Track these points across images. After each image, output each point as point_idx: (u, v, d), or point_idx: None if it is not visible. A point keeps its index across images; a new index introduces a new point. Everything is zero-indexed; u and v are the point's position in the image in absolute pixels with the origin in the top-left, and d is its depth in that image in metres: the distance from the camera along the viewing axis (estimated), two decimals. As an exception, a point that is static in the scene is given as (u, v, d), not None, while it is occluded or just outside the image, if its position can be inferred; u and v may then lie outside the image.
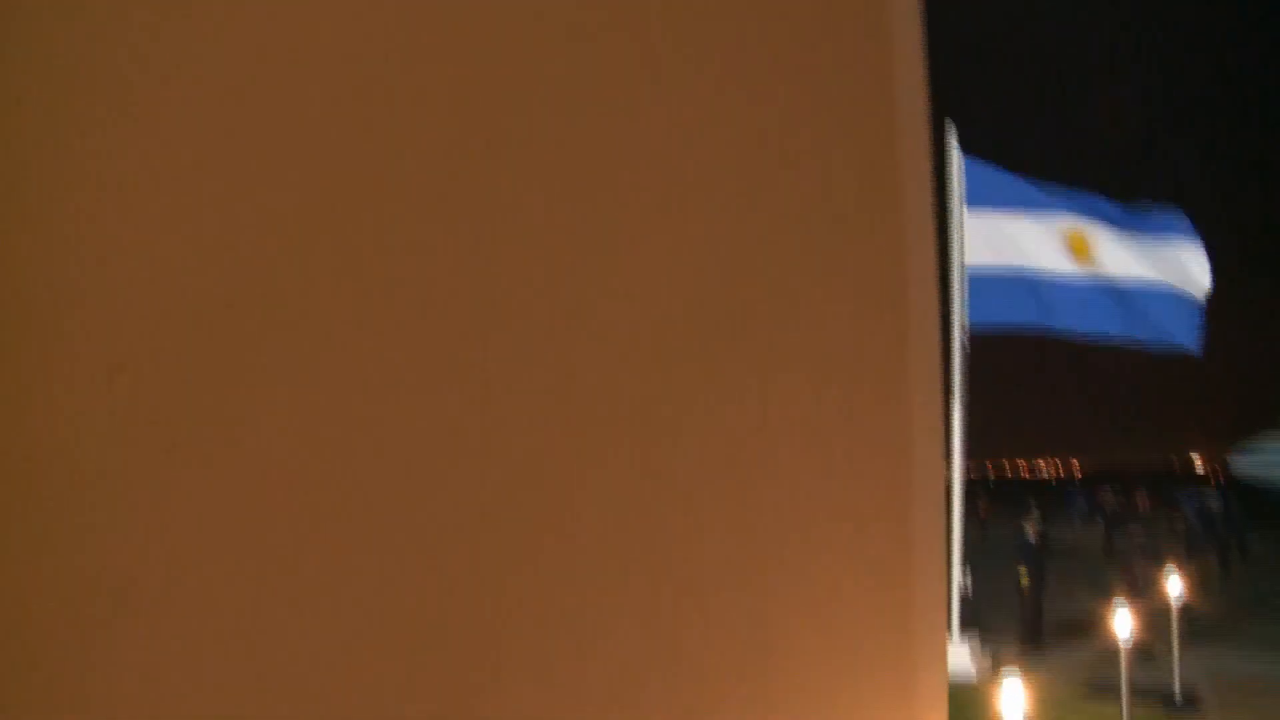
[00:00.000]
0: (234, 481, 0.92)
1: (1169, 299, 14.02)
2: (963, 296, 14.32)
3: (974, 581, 14.84)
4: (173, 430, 0.89)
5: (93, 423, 0.86)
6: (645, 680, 1.26)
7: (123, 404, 0.87)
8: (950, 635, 13.29)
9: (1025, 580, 16.10)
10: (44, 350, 0.84)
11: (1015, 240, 14.31)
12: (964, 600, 13.98)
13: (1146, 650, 13.52)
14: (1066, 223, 14.23)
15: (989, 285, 14.36)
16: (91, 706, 0.86)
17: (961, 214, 14.41)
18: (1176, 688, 12.07)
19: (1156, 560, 15.64)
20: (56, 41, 0.85)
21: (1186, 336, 14.08)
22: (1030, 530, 16.64)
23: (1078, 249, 14.20)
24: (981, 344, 14.54)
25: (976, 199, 14.46)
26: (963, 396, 14.29)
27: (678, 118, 1.35)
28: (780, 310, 1.46)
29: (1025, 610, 16.14)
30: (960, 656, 13.21)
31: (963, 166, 14.56)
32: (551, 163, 1.21)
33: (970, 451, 14.89)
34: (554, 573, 1.18)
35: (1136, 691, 10.54)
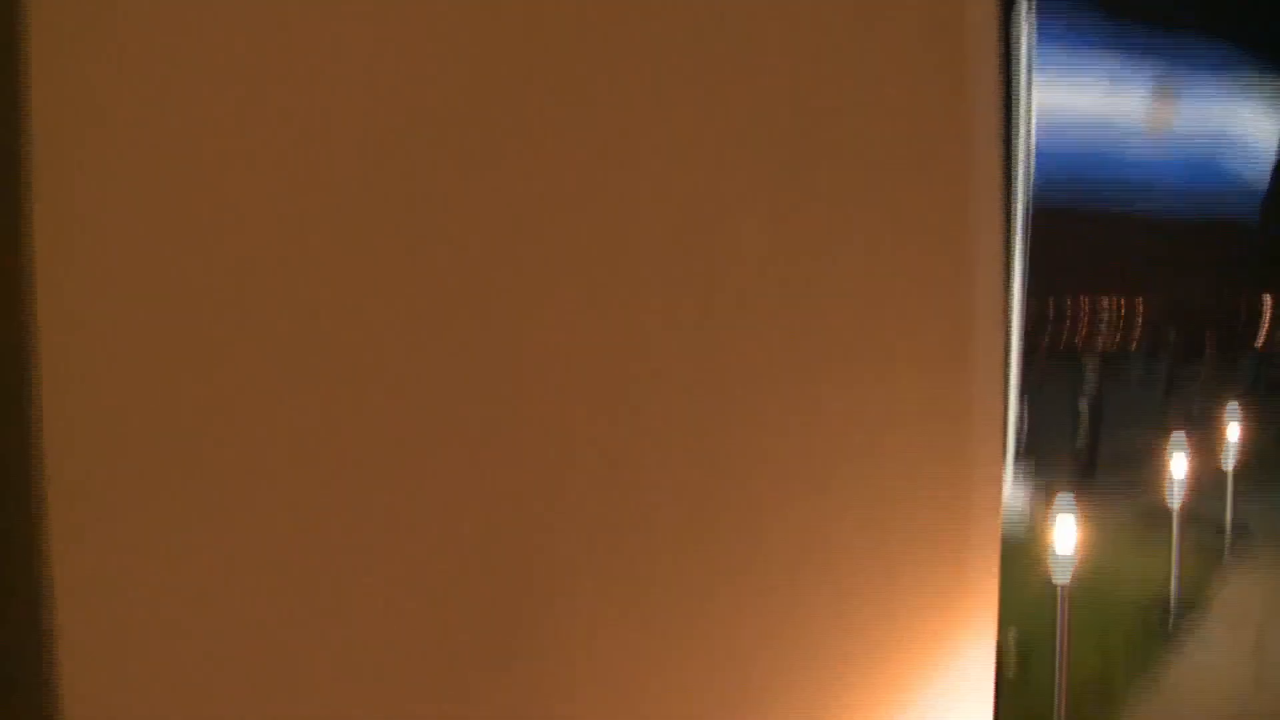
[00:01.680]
0: (243, 480, 0.93)
1: (1245, 150, 13.50)
2: (1030, 155, 13.84)
3: (1031, 411, 14.81)
4: (177, 427, 0.89)
5: (99, 420, 0.85)
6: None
7: (130, 400, 0.87)
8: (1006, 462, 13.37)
9: (1084, 412, 16.12)
10: (44, 349, 0.83)
11: (1091, 108, 13.68)
12: (1020, 429, 13.98)
13: (1201, 483, 13.56)
14: (1150, 79, 13.55)
15: (1059, 146, 13.85)
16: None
17: (1031, 75, 13.77)
18: (1228, 517, 12.18)
19: (1216, 398, 15.51)
20: (57, 42, 0.83)
21: (1247, 204, 13.59)
22: (1090, 365, 16.57)
23: (1159, 119, 13.57)
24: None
25: (1051, 62, 13.75)
26: (1025, 235, 14.03)
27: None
28: (844, 159, 1.58)
29: (1082, 440, 16.22)
30: (1017, 479, 13.30)
31: (1035, 27, 13.83)
32: (590, 137, 1.23)
33: (1032, 289, 14.69)
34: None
35: (1190, 520, 10.68)
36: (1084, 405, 16.11)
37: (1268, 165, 13.68)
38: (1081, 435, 16.10)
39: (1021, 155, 13.91)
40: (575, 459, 1.19)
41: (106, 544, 0.85)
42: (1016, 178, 13.85)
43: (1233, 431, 12.51)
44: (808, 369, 1.52)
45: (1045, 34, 13.84)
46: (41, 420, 0.81)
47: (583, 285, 1.20)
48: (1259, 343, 28.38)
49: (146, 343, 0.88)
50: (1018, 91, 13.79)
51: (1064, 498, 7.24)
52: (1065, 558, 7.09)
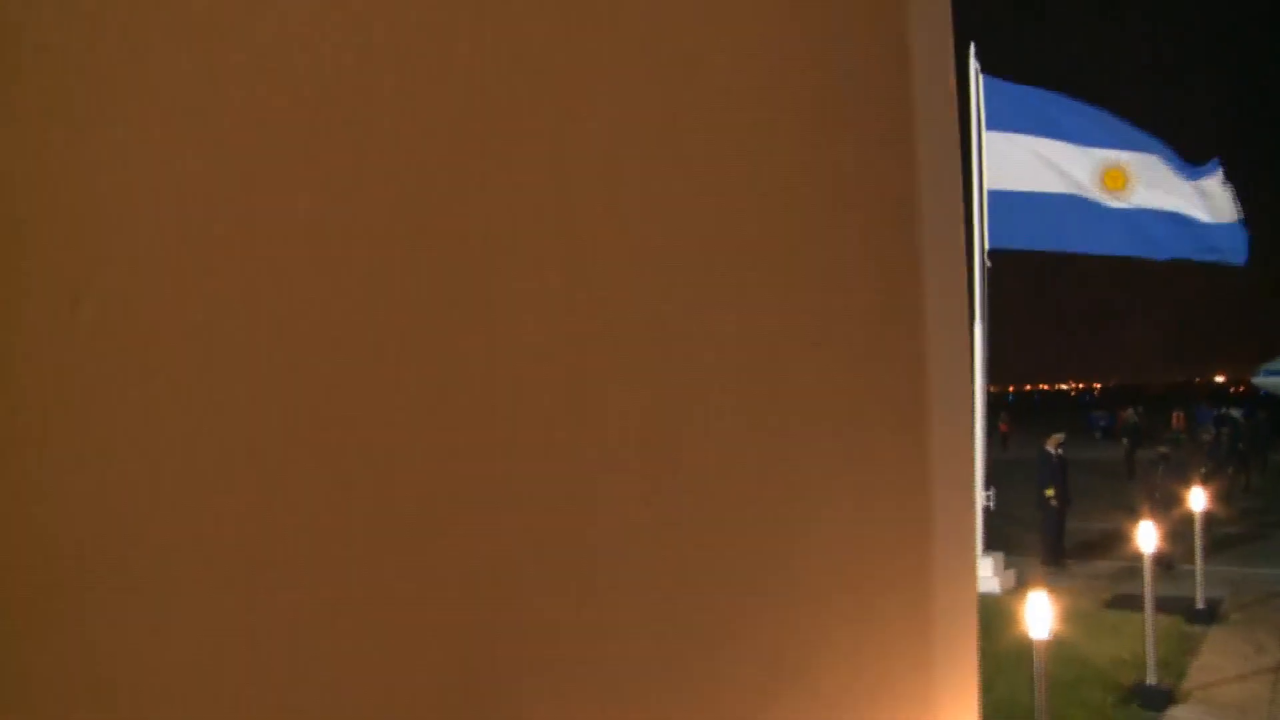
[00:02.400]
0: (241, 476, 0.92)
1: (1204, 225, 13.90)
2: (984, 219, 14.21)
3: (996, 498, 14.93)
4: (178, 426, 0.88)
5: (101, 420, 0.85)
6: (672, 576, 1.29)
7: (131, 399, 0.86)
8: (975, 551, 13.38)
9: (1051, 496, 16.17)
10: (46, 349, 0.82)
11: (1045, 163, 14.15)
12: (987, 516, 14.07)
13: (1168, 563, 13.65)
14: (1101, 153, 14.04)
15: (1011, 207, 14.23)
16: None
17: (982, 136, 14.24)
18: (1199, 597, 12.17)
19: (1179, 476, 15.66)
20: (56, 38, 0.83)
21: (1227, 254, 13.99)
22: (1053, 448, 16.65)
23: (1113, 183, 14.04)
24: (1001, 267, 14.45)
25: (999, 121, 14.27)
26: (983, 317, 14.25)
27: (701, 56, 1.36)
28: (796, 232, 1.47)
29: (1047, 526, 16.26)
30: (984, 571, 13.34)
31: (982, 87, 14.35)
32: (552, 113, 1.20)
33: (991, 376, 14.87)
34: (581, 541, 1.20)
35: (1159, 603, 10.65)
36: (1048, 493, 16.21)
37: (1215, 244, 14.04)
38: (1047, 520, 16.18)
39: (977, 236, 14.19)
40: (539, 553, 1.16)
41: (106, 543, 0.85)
42: (974, 259, 14.08)
43: (1197, 506, 12.53)
44: (770, 468, 1.44)
45: (993, 102, 14.32)
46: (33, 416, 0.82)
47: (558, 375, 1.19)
48: (1217, 421, 29.06)
49: (153, 337, 0.88)
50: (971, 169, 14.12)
51: (1035, 592, 7.21)
52: (1040, 642, 6.98)
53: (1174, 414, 37.66)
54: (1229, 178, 13.81)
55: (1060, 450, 16.69)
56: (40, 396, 0.80)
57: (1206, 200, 13.89)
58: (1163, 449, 18.59)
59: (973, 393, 1.81)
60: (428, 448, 1.04)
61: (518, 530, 1.13)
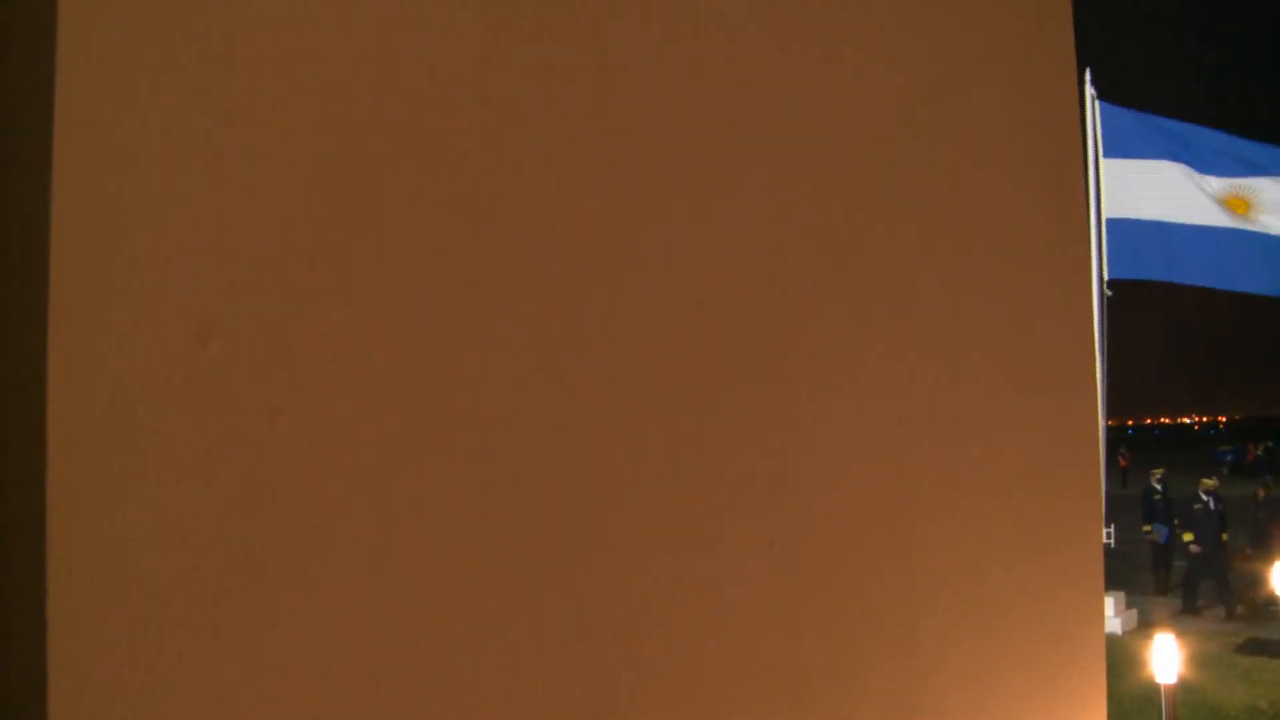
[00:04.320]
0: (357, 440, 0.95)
1: None
2: (1102, 249, 13.84)
3: (1117, 534, 14.46)
4: (271, 395, 0.91)
5: (182, 390, 0.87)
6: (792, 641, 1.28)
7: (215, 369, 0.89)
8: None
9: (1154, 537, 15.81)
10: (125, 319, 0.85)
11: (1162, 190, 13.76)
12: (1107, 554, 13.64)
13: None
14: (1220, 180, 13.59)
15: (1132, 235, 13.85)
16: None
17: (1099, 165, 13.89)
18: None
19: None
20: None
21: None
22: (1156, 484, 16.34)
23: (1235, 205, 13.57)
24: (1120, 297, 14.05)
25: (1117, 148, 13.91)
26: (1104, 349, 13.85)
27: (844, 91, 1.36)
28: (928, 274, 1.45)
29: (1156, 565, 15.86)
30: (1106, 611, 12.91)
31: (1098, 115, 14.01)
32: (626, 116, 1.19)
33: (1111, 409, 14.44)
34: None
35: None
36: (1173, 532, 15.69)
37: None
38: (1155, 559, 15.68)
39: (1096, 265, 13.84)
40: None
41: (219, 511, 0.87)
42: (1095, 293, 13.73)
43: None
44: (904, 510, 1.41)
45: (1112, 125, 13.95)
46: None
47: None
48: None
49: (235, 306, 0.90)
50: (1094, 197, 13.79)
51: (1161, 634, 6.95)
52: (1168, 686, 6.72)
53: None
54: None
55: (1161, 484, 16.35)
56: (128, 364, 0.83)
57: None
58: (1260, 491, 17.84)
59: (1095, 421, 1.76)
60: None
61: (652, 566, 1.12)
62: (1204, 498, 14.99)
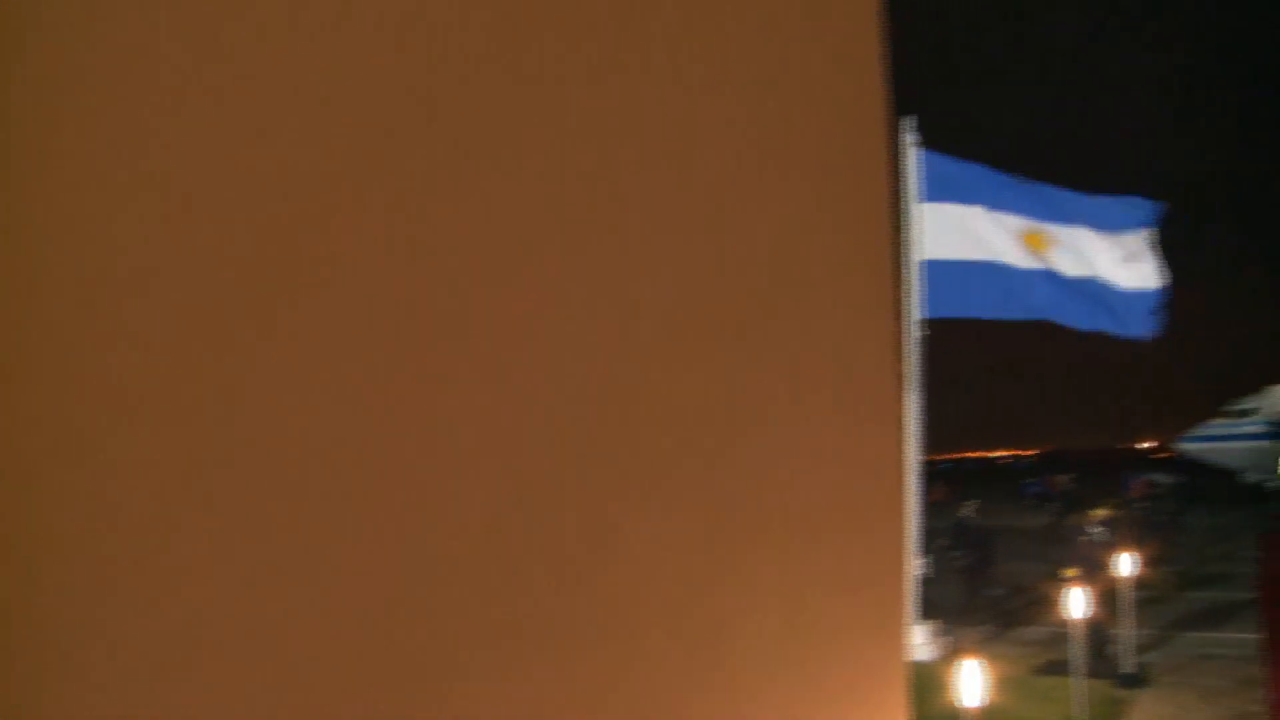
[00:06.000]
0: (246, 481, 0.91)
1: (1121, 294, 14.18)
2: (919, 289, 14.40)
3: (932, 565, 15.00)
4: (177, 426, 0.88)
5: (99, 421, 0.85)
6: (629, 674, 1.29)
7: (127, 402, 0.86)
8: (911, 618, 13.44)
9: (961, 562, 16.61)
10: (47, 354, 0.83)
11: (973, 232, 14.43)
12: (921, 584, 14.10)
13: (1098, 627, 13.78)
14: (1023, 221, 14.34)
15: (946, 276, 14.46)
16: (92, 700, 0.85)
17: (918, 208, 14.48)
18: (1127, 662, 12.28)
19: (1108, 540, 15.84)
20: (58, 44, 0.84)
21: (1138, 327, 14.27)
22: (969, 514, 17.20)
23: (1034, 245, 14.32)
24: (937, 339, 14.62)
25: (935, 193, 14.53)
26: (919, 387, 14.38)
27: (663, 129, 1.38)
28: (750, 313, 1.49)
29: (963, 591, 16.63)
30: (919, 638, 13.34)
31: (921, 161, 14.62)
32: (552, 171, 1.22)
33: (928, 445, 15.00)
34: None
35: (1089, 668, 10.74)
36: (973, 558, 16.56)
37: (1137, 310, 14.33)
38: (962, 585, 16.45)
39: (912, 307, 14.40)
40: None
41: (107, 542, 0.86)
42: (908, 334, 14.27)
43: (1126, 571, 12.68)
44: (714, 546, 1.44)
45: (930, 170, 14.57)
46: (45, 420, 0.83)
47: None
48: (1145, 486, 29.59)
49: (151, 343, 0.89)
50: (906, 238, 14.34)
51: (967, 659, 7.23)
52: (972, 710, 7.01)
53: (1088, 477, 38.09)
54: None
55: (970, 516, 17.24)
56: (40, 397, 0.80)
57: (1129, 265, 14.18)
58: (1095, 514, 18.85)
59: (901, 456, 1.83)
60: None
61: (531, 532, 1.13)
62: (1093, 529, 15.39)
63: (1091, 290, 14.26)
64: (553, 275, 1.20)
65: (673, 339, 1.37)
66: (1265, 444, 39.46)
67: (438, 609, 1.07)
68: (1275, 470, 38.09)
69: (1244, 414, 41.25)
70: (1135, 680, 12.16)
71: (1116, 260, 14.30)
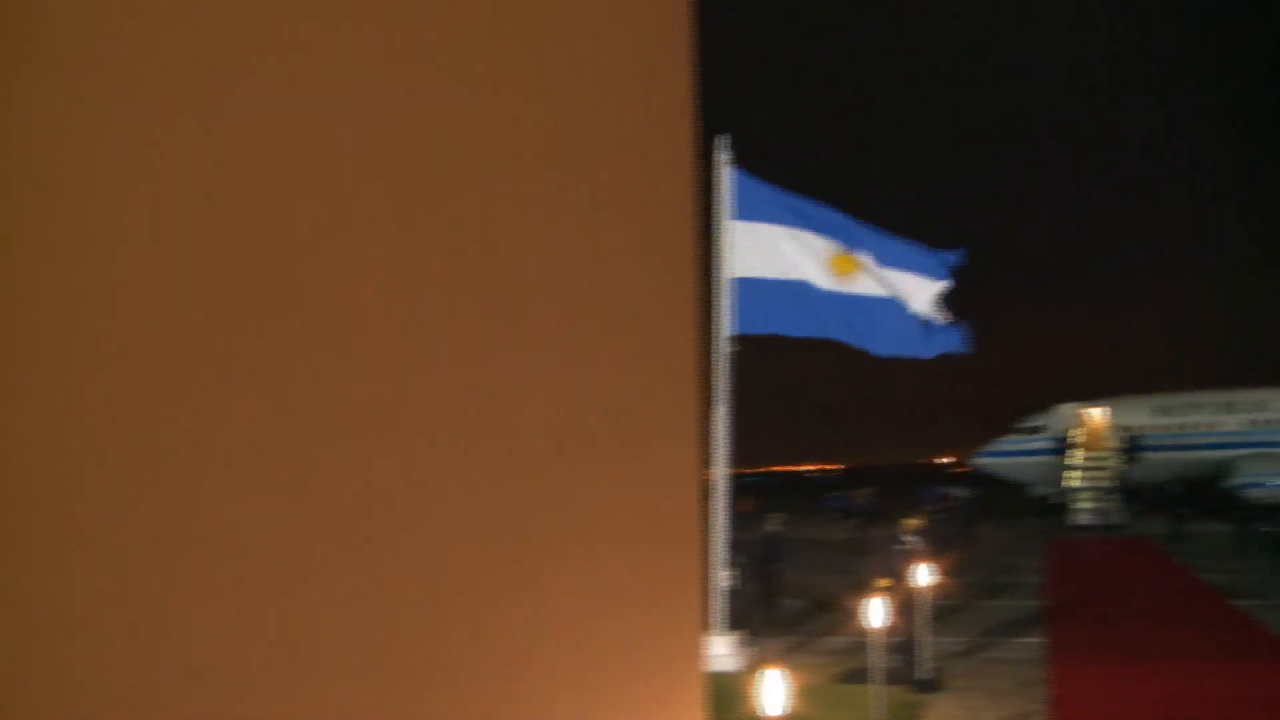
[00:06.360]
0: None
1: (919, 319, 14.85)
2: (729, 305, 14.75)
3: (740, 576, 15.32)
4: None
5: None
6: (433, 676, 1.26)
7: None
8: (715, 629, 13.69)
9: (766, 574, 17.30)
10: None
11: (782, 252, 14.87)
12: (729, 595, 14.39)
13: (896, 635, 14.33)
14: (830, 244, 14.87)
15: (755, 294, 14.86)
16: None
17: (730, 226, 14.84)
18: (922, 669, 12.79)
19: (906, 551, 16.48)
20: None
21: (934, 349, 14.98)
22: (771, 527, 17.85)
23: (840, 268, 14.85)
24: (746, 354, 14.99)
25: (745, 211, 14.92)
26: (727, 401, 14.70)
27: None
28: (547, 326, 1.48)
29: (766, 602, 17.17)
30: (726, 650, 13.59)
31: (733, 180, 14.98)
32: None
33: (737, 459, 15.34)
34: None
35: (887, 675, 11.15)
36: (776, 570, 17.16)
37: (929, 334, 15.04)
38: (760, 596, 16.97)
39: (723, 322, 14.69)
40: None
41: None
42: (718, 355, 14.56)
43: (922, 581, 13.20)
44: (509, 558, 1.43)
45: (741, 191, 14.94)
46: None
47: None
48: (942, 500, 31.00)
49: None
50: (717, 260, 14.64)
51: (770, 669, 7.39)
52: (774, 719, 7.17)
53: (889, 491, 39.59)
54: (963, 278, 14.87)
55: (775, 529, 17.88)
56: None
57: (926, 293, 14.87)
58: (898, 527, 19.61)
59: (700, 472, 1.84)
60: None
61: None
62: (906, 539, 15.34)
63: (891, 314, 14.87)
64: (336, 285, 1.17)
65: (463, 350, 1.35)
66: (1052, 459, 41.87)
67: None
68: (1060, 484, 40.42)
69: (1033, 431, 43.65)
70: (929, 685, 12.68)
71: (915, 289, 14.96)
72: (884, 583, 13.61)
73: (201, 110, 1.00)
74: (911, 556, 15.07)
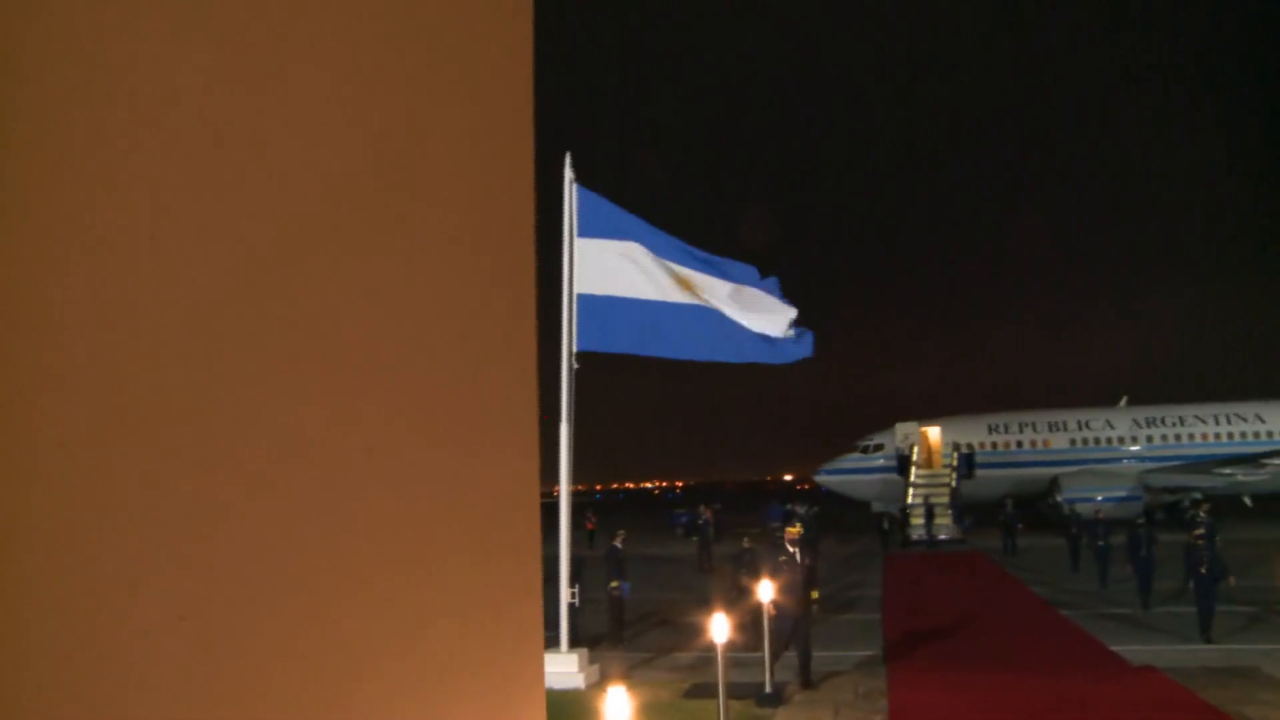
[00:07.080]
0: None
1: (757, 333, 15.16)
2: (573, 322, 14.79)
3: (582, 592, 15.29)
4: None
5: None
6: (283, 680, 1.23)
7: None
8: (558, 646, 13.66)
9: (617, 593, 17.38)
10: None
11: (625, 270, 14.99)
12: (572, 612, 14.36)
13: (741, 651, 14.56)
14: (672, 263, 15.07)
15: (598, 311, 14.94)
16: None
17: (573, 242, 14.90)
18: (768, 682, 13.00)
19: (750, 567, 16.74)
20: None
21: (778, 354, 15.31)
22: (618, 544, 18.09)
23: (682, 286, 15.06)
24: (588, 369, 15.06)
25: (590, 229, 15.01)
26: (570, 418, 14.72)
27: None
28: (379, 345, 1.47)
29: (612, 619, 17.32)
30: (569, 667, 13.56)
31: (576, 197, 15.05)
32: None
33: (580, 475, 15.39)
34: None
35: (732, 689, 11.30)
36: (622, 589, 17.30)
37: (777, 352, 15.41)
38: (624, 617, 17.08)
39: (566, 338, 14.71)
40: None
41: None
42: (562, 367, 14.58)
43: (766, 597, 13.42)
44: (342, 575, 1.41)
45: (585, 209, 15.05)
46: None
47: None
48: (783, 516, 31.59)
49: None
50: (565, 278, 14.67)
51: (614, 686, 7.40)
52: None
53: (773, 510, 40.15)
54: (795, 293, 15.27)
55: (619, 545, 18.13)
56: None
57: (765, 314, 15.20)
58: (744, 543, 19.95)
59: (536, 486, 1.85)
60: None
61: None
62: (790, 549, 15.02)
63: (736, 327, 15.14)
64: (169, 287, 1.14)
65: (299, 359, 1.33)
66: (892, 476, 43.20)
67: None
68: (899, 500, 41.70)
69: (874, 449, 44.94)
70: (774, 699, 12.89)
71: (754, 303, 15.27)
72: (719, 599, 13.82)
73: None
74: (756, 572, 15.33)
